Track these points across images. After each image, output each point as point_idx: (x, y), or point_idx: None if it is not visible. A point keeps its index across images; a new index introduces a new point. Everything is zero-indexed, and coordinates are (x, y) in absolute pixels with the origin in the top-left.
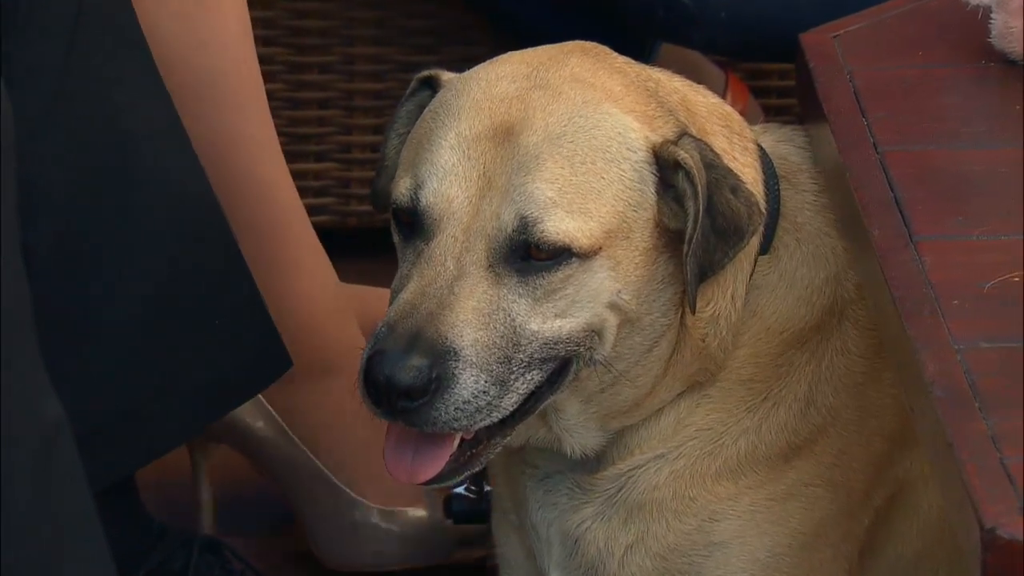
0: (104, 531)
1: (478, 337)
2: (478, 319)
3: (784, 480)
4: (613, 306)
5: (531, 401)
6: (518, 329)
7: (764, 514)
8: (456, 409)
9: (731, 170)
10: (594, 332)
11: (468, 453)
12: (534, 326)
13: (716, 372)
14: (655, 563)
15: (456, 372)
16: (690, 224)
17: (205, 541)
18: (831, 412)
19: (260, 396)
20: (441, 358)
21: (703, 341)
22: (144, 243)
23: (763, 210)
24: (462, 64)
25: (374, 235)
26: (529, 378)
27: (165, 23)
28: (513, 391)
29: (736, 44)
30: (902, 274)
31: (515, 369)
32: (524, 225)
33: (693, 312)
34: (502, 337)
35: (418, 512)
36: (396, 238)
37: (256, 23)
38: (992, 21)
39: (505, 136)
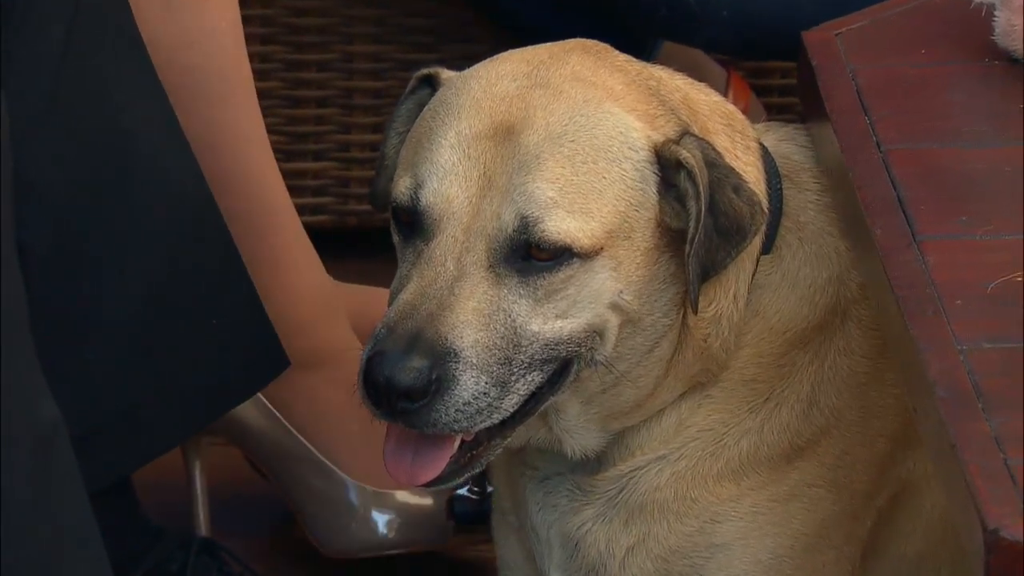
0: (101, 532)
1: (479, 338)
2: (478, 320)
3: (786, 481)
4: (615, 306)
5: (532, 402)
6: (519, 330)
7: (766, 515)
8: (456, 411)
9: (733, 169)
10: (595, 333)
11: (468, 455)
12: (535, 327)
13: (718, 373)
14: (656, 565)
15: (456, 373)
16: (692, 224)
17: (202, 542)
18: (834, 413)
19: None
20: (441, 359)
21: (705, 341)
22: (142, 243)
23: (766, 209)
24: (462, 62)
25: (373, 235)
26: (530, 379)
27: (154, 18)
28: (514, 392)
29: (738, 43)
30: (905, 274)
31: (516, 370)
32: (525, 225)
33: (695, 312)
34: (503, 338)
35: (413, 495)
36: (396, 238)
37: (254, 20)
38: (995, 19)
39: (506, 135)
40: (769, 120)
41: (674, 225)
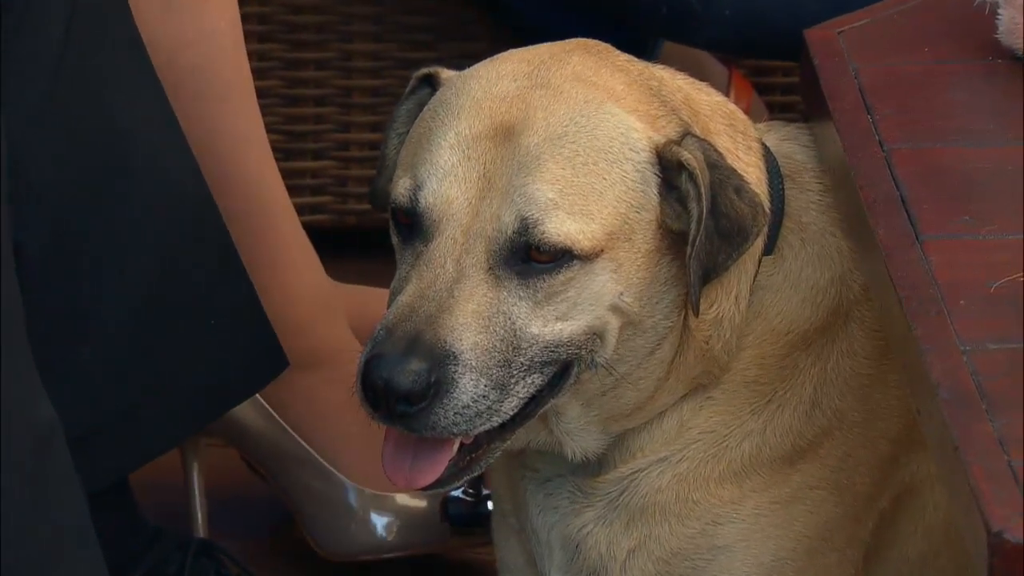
0: (99, 534)
1: (478, 341)
2: (478, 322)
3: (789, 483)
4: (615, 308)
5: (532, 405)
6: (518, 332)
7: (768, 518)
8: (455, 414)
9: (735, 170)
10: (595, 335)
11: (468, 458)
12: (535, 329)
13: (720, 375)
14: (658, 567)
15: (455, 376)
16: (693, 226)
17: (200, 543)
18: (837, 415)
19: None
20: (440, 362)
21: (706, 343)
22: (141, 243)
23: (767, 210)
24: (461, 61)
25: (373, 234)
26: (530, 382)
27: (154, 18)
28: (513, 395)
29: (741, 42)
30: (908, 274)
31: (515, 373)
32: (525, 227)
33: (696, 315)
34: (502, 340)
35: (413, 497)
36: (395, 239)
37: (252, 19)
38: (999, 17)
39: (505, 136)
40: (771, 119)
41: (675, 227)
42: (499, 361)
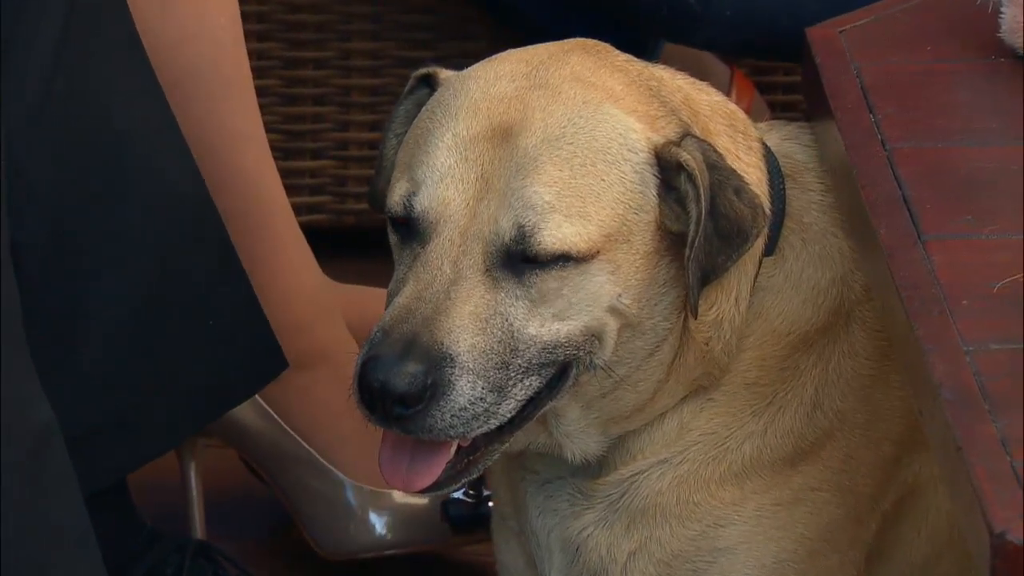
0: (96, 535)
1: (475, 343)
2: (475, 324)
3: (790, 485)
4: (613, 310)
5: (530, 407)
6: (516, 334)
7: (770, 520)
8: (452, 416)
9: (735, 171)
10: (594, 336)
11: (465, 460)
12: (532, 330)
13: (720, 376)
14: (659, 570)
15: (452, 379)
16: (692, 227)
17: (198, 545)
18: (838, 416)
19: None
20: (437, 364)
21: (706, 345)
22: (139, 243)
23: (767, 212)
24: (460, 60)
25: (372, 234)
26: (527, 384)
27: (152, 14)
28: (511, 397)
29: (741, 43)
30: (910, 274)
31: (513, 375)
32: (522, 235)
33: (695, 317)
34: (499, 342)
35: (412, 495)
36: (392, 240)
37: (250, 17)
38: (1002, 15)
39: (503, 137)
40: (772, 118)
41: (674, 228)
42: (496, 363)
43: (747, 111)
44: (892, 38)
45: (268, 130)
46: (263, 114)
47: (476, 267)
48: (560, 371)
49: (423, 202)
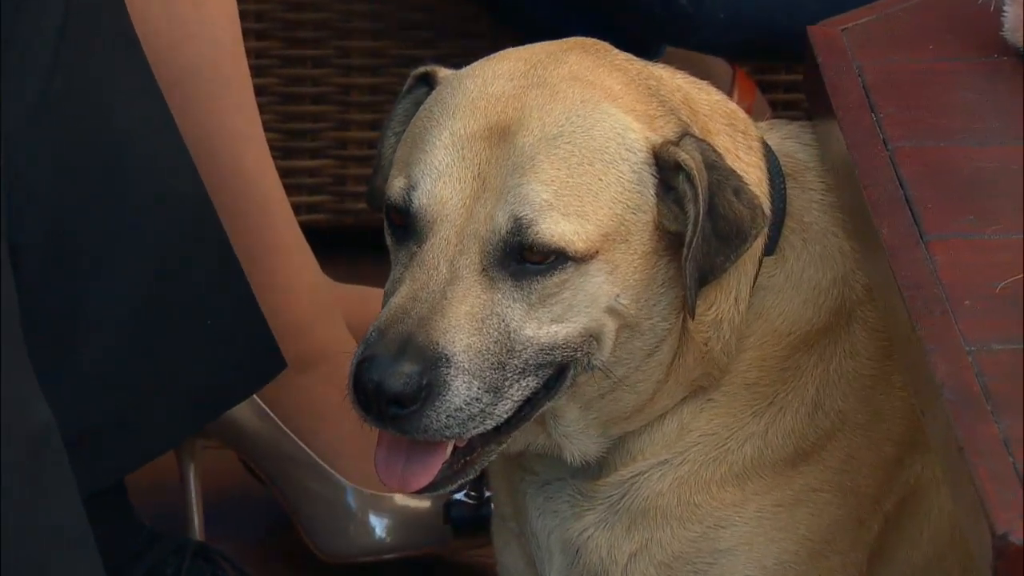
0: (95, 537)
1: (471, 343)
2: (471, 324)
3: (792, 486)
4: (611, 311)
5: (527, 408)
6: (512, 335)
7: (771, 521)
8: (448, 416)
9: (734, 171)
10: (592, 337)
11: (462, 461)
12: (529, 331)
13: (720, 376)
14: (659, 571)
15: (448, 379)
16: (690, 227)
17: (197, 546)
18: (840, 416)
19: None
20: (432, 364)
21: (706, 345)
22: (136, 243)
23: (767, 212)
24: (460, 58)
25: (370, 234)
26: (524, 384)
27: (152, 14)
28: (507, 398)
29: (736, 45)
30: (912, 274)
31: (509, 375)
32: (518, 227)
33: (692, 318)
34: (496, 343)
35: (412, 498)
36: (389, 240)
37: (249, 16)
38: (1004, 14)
39: (501, 136)
40: (774, 117)
41: (672, 228)
42: (492, 364)
43: (749, 110)
44: (894, 37)
45: (267, 129)
46: (262, 113)
47: (472, 267)
48: (558, 372)
49: (420, 199)
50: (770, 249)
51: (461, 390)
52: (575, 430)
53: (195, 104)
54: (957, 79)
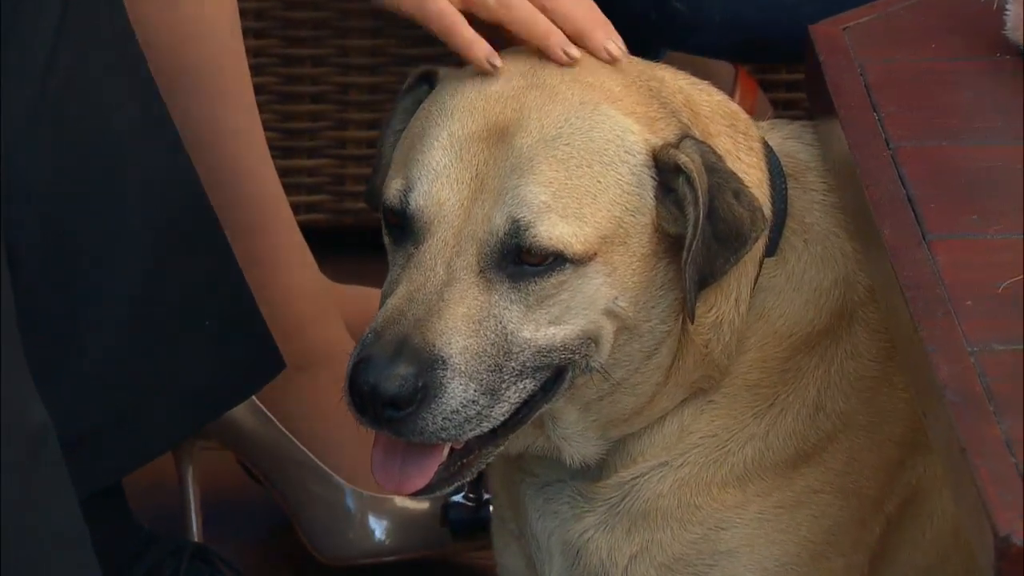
0: (92, 538)
1: (467, 345)
2: (468, 326)
3: (793, 487)
4: (609, 313)
5: (525, 410)
6: (509, 337)
7: (772, 522)
8: (444, 419)
9: (734, 173)
10: (590, 339)
11: (459, 463)
12: (526, 333)
13: (720, 378)
14: (660, 573)
15: (444, 381)
16: (690, 230)
17: (195, 548)
18: (841, 417)
19: None
20: (428, 366)
21: (705, 347)
22: (133, 244)
23: (767, 215)
24: (460, 58)
25: (370, 234)
26: (521, 387)
27: (152, 14)
28: (504, 400)
29: (734, 47)
30: (914, 274)
31: (506, 378)
32: (516, 229)
33: (692, 321)
34: (493, 345)
35: (412, 500)
36: (386, 241)
37: (247, 14)
38: (1007, 13)
39: (499, 137)
40: (775, 117)
41: (672, 230)
42: (489, 366)
43: (751, 110)
44: (896, 35)
45: (265, 128)
46: (261, 112)
47: (470, 268)
48: (555, 374)
49: (418, 200)
50: (771, 250)
51: (457, 392)
52: (574, 432)
53: (195, 103)
54: (959, 78)
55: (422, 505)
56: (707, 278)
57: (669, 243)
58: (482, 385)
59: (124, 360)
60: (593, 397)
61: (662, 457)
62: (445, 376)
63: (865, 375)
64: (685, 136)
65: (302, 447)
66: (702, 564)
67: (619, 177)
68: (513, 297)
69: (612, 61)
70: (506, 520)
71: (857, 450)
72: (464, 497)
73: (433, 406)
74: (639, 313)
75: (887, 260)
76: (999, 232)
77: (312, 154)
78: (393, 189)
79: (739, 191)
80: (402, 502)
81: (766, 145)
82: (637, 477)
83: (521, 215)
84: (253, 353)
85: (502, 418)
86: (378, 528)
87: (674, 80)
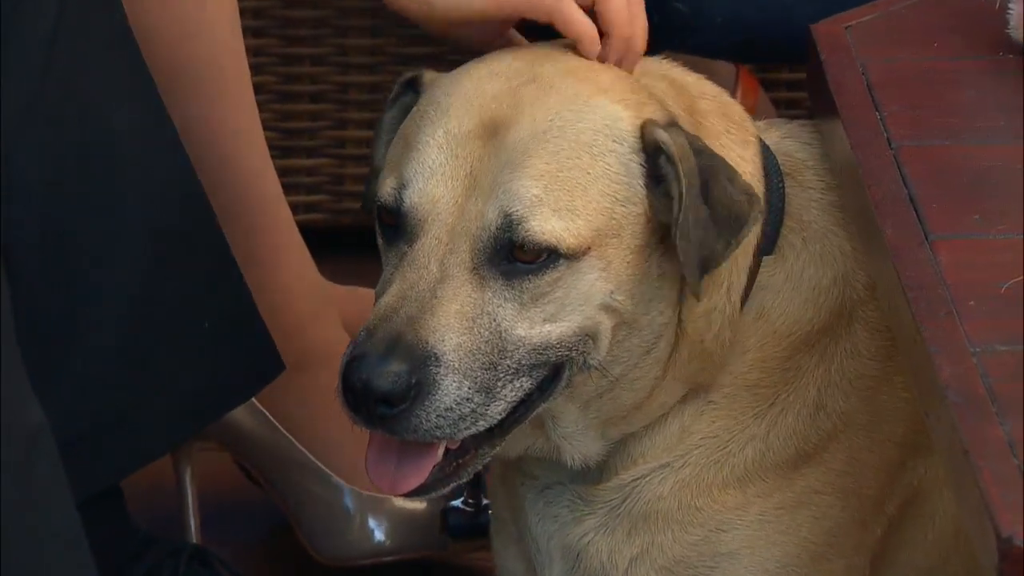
0: (90, 540)
1: (461, 342)
2: (461, 323)
3: (793, 488)
4: (606, 308)
5: (522, 409)
6: (504, 334)
7: (773, 524)
8: (438, 416)
9: (725, 160)
10: (587, 336)
11: (454, 463)
12: (521, 331)
13: (716, 372)
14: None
15: (437, 378)
16: (675, 206)
17: (193, 550)
18: (842, 417)
19: None
20: (421, 363)
21: (699, 338)
22: (132, 244)
23: (762, 202)
24: (459, 57)
25: (369, 234)
26: (518, 385)
27: (152, 12)
28: (500, 399)
29: (733, 48)
30: (917, 274)
31: (502, 376)
32: (508, 223)
33: (699, 299)
34: (487, 343)
35: (411, 501)
36: (380, 241)
37: (246, 13)
38: (1010, 12)
39: (493, 133)
40: (778, 116)
41: (665, 220)
42: (484, 364)
43: (752, 108)
44: (898, 34)
45: (264, 128)
46: (259, 112)
47: (463, 265)
48: (553, 372)
49: (412, 198)
50: (769, 248)
51: (451, 390)
52: (574, 431)
53: (195, 103)
54: (962, 77)
55: (421, 506)
56: (709, 263)
57: (664, 234)
58: (476, 383)
59: (123, 361)
60: (592, 394)
61: (662, 459)
62: (438, 373)
63: (865, 374)
64: (673, 123)
65: (301, 448)
66: (703, 566)
67: (607, 167)
68: (507, 295)
69: None
70: (506, 523)
71: (857, 450)
72: (463, 502)
73: (427, 403)
74: (637, 306)
75: (889, 260)
76: (1002, 232)
77: (311, 154)
78: (387, 187)
79: (733, 176)
80: (401, 503)
81: (761, 142)
82: (637, 479)
83: (513, 209)
84: (252, 354)
85: (498, 417)
86: (378, 529)
87: (669, 72)
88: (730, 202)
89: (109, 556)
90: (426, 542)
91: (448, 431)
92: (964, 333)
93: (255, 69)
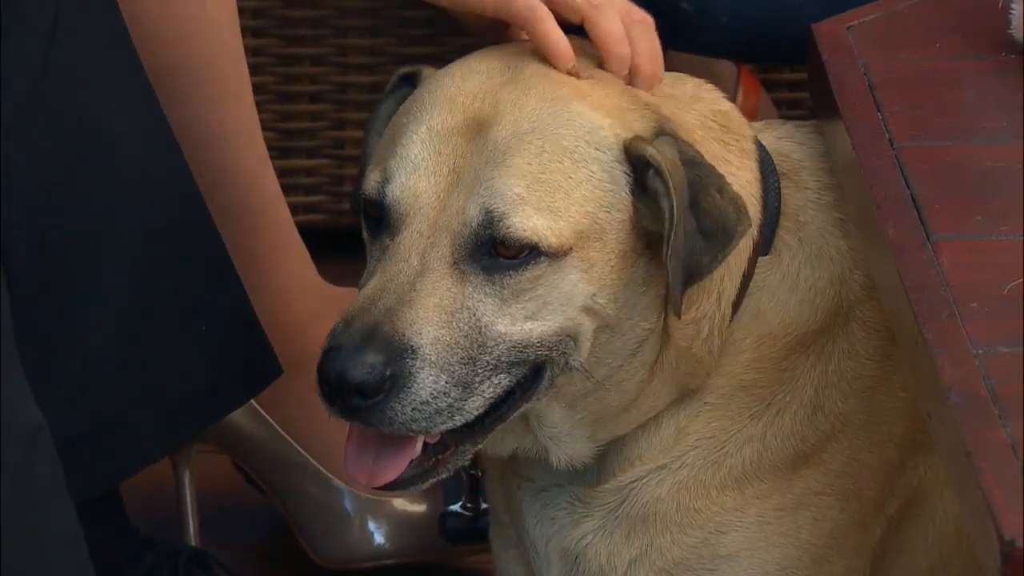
0: (89, 543)
1: (439, 335)
2: (439, 317)
3: (792, 489)
4: (588, 310)
5: (503, 407)
6: (484, 329)
7: (773, 525)
8: (414, 409)
9: (716, 170)
10: (568, 337)
11: (433, 459)
12: (501, 327)
13: (706, 377)
14: None
15: (413, 371)
16: (667, 223)
17: (192, 552)
18: (840, 417)
19: None
20: (398, 355)
21: (686, 344)
22: (129, 245)
23: (755, 213)
24: (458, 56)
25: None
26: (496, 382)
27: (152, 12)
28: (478, 395)
29: (737, 48)
30: (919, 275)
31: (480, 371)
32: (490, 220)
33: (678, 316)
34: (466, 337)
35: (410, 503)
36: (365, 234)
37: (246, 13)
38: (1011, 12)
39: (476, 131)
40: (780, 116)
41: (651, 227)
42: (462, 358)
43: (754, 109)
44: (900, 34)
45: (263, 128)
46: (259, 112)
47: (444, 259)
48: (534, 372)
49: (395, 191)
50: (765, 249)
51: (427, 383)
52: (561, 432)
53: (194, 103)
54: (964, 77)
55: (421, 508)
56: (694, 275)
57: (649, 240)
58: (454, 377)
59: (122, 362)
60: (578, 394)
61: (659, 460)
62: (414, 366)
63: (863, 374)
64: (661, 132)
65: (301, 450)
66: (702, 568)
67: (591, 174)
68: (488, 290)
69: None
70: (505, 525)
71: (856, 451)
72: (462, 507)
73: (402, 395)
74: (619, 310)
75: (891, 261)
76: (1004, 233)
77: (310, 154)
78: (372, 180)
79: (722, 187)
80: (401, 505)
81: (759, 144)
82: (635, 481)
83: (495, 206)
84: (251, 357)
85: (475, 412)
86: (377, 531)
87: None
88: (719, 214)
89: (108, 558)
90: (426, 544)
91: (424, 425)
92: (966, 334)
93: (255, 69)
